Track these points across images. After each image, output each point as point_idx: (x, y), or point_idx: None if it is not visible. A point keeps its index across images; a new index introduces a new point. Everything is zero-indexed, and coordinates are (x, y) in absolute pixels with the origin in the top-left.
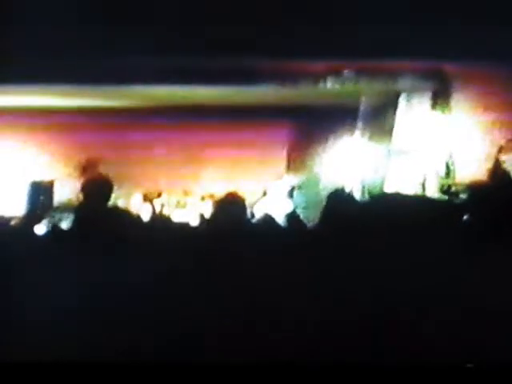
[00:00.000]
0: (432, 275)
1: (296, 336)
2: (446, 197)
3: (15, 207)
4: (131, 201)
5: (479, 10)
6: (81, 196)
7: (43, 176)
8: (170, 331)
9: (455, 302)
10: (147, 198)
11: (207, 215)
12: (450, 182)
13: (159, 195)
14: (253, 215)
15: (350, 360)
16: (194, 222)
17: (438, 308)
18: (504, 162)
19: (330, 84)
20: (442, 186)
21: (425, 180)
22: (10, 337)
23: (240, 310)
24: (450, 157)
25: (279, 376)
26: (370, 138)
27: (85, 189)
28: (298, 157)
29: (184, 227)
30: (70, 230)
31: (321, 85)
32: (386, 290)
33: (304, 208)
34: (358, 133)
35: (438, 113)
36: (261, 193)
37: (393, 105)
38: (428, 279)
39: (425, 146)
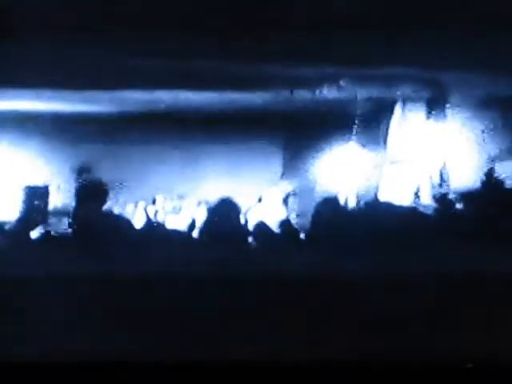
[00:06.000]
0: (429, 279)
1: (295, 337)
2: (440, 205)
3: (9, 212)
4: (126, 206)
5: (476, 17)
6: (76, 201)
7: (38, 181)
8: (164, 333)
9: (453, 303)
10: (142, 204)
11: (202, 220)
12: (444, 190)
13: (154, 201)
14: (247, 221)
15: (348, 359)
16: (189, 227)
17: (437, 308)
18: (498, 170)
19: (326, 91)
20: (436, 194)
21: (419, 188)
22: (8, 338)
23: (234, 313)
24: (445, 165)
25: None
26: (365, 145)
27: (80, 194)
28: (293, 164)
29: (178, 232)
30: (65, 235)
31: (317, 92)
32: (384, 293)
33: (299, 215)
34: (353, 141)
35: (432, 121)
36: (256, 199)
37: (388, 113)
38: (425, 283)
39: (419, 155)
